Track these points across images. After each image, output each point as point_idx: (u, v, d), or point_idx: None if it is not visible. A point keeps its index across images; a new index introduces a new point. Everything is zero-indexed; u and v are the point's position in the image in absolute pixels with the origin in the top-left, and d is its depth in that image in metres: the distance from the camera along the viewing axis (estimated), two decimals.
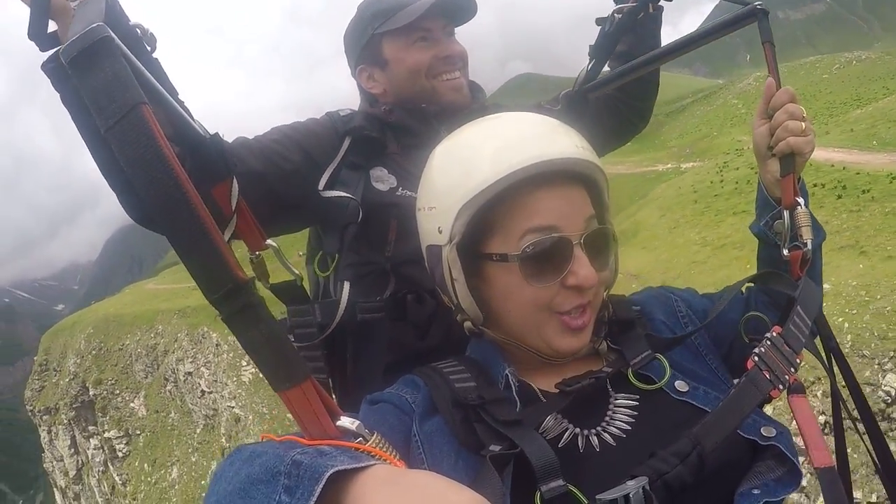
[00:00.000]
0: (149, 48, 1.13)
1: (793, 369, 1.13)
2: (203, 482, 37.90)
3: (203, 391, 39.55)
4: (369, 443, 0.92)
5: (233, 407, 35.36)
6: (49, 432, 56.13)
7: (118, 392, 48.96)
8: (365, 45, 2.00)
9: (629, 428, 1.15)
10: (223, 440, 35.80)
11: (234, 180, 1.53)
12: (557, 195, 1.22)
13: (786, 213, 1.40)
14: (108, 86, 0.91)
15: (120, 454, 48.01)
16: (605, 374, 1.22)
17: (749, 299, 1.54)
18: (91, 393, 50.55)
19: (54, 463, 57.86)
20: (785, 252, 1.39)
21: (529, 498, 1.00)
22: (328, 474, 0.78)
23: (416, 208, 1.42)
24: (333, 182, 1.84)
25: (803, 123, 1.38)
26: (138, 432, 47.02)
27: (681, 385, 1.22)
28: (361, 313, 1.75)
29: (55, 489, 59.83)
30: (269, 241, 1.61)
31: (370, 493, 0.78)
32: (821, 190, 18.36)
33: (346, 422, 0.93)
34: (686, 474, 0.99)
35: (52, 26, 1.31)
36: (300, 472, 0.79)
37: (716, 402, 1.17)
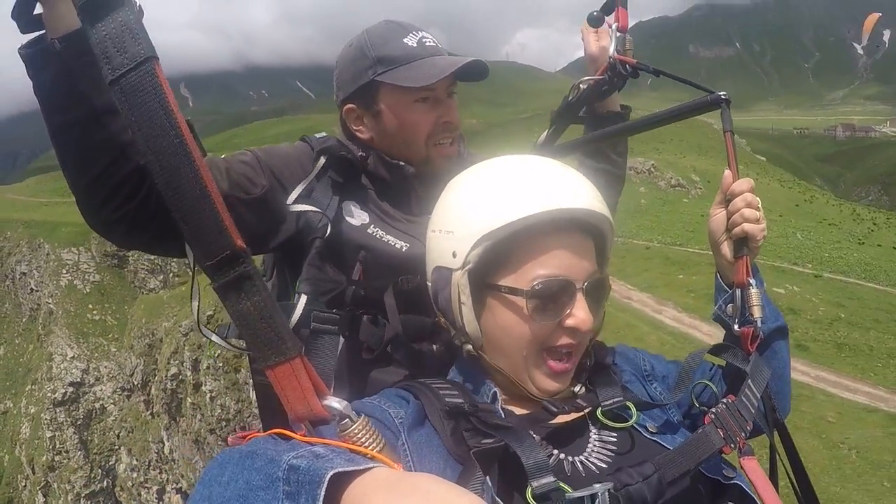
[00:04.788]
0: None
1: (743, 434, 1.20)
2: (22, 359, 48.25)
3: (32, 289, 49.24)
4: (356, 425, 0.92)
5: (49, 303, 45.41)
6: None
7: None
8: (361, 86, 1.82)
9: (610, 461, 1.19)
10: (39, 328, 45.81)
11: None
12: (571, 243, 1.28)
13: (737, 292, 1.47)
14: (118, 35, 0.91)
15: None
16: (583, 406, 1.28)
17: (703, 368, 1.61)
18: None
19: None
20: (735, 328, 1.46)
21: (519, 495, 1.03)
22: (329, 476, 0.76)
23: (428, 228, 1.43)
24: (304, 196, 1.75)
25: (759, 212, 1.47)
26: None
27: (651, 426, 1.28)
28: (315, 322, 1.68)
29: None
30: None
31: (371, 496, 0.76)
32: None
33: (333, 402, 0.93)
34: (647, 493, 1.04)
35: (38, 9, 1.24)
36: (299, 478, 0.78)
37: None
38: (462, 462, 1.09)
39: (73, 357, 40.57)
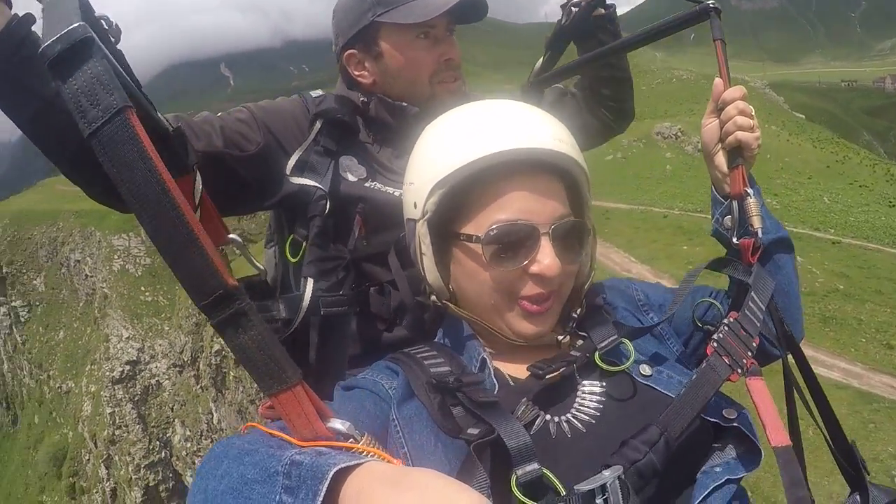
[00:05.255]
0: (113, 40, 1.07)
1: (749, 353, 1.15)
2: (80, 342, 51.10)
3: (86, 275, 51.83)
4: (360, 443, 0.91)
5: (104, 287, 47.87)
6: None
7: (25, 272, 60.39)
8: (361, 29, 1.84)
9: (598, 414, 1.15)
10: (96, 312, 48.40)
11: (198, 174, 1.49)
12: (531, 186, 1.22)
13: (734, 203, 1.41)
14: (90, 88, 0.91)
15: (22, 319, 60.34)
16: (574, 358, 1.21)
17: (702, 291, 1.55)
18: (3, 271, 61.87)
19: None
20: (734, 241, 1.40)
21: (505, 481, 0.99)
22: (332, 472, 0.76)
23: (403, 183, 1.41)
24: (302, 167, 1.75)
25: (752, 120, 1.42)
26: (37, 303, 59.35)
27: (644, 369, 1.23)
28: (325, 307, 1.68)
29: None
30: (232, 236, 1.52)
31: (367, 492, 0.76)
32: None
33: (336, 423, 0.92)
34: (656, 461, 1.00)
35: None
36: (301, 472, 0.78)
37: (678, 386, 1.17)
38: (451, 434, 1.07)
39: (128, 337, 42.89)
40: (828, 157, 49.55)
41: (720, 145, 1.49)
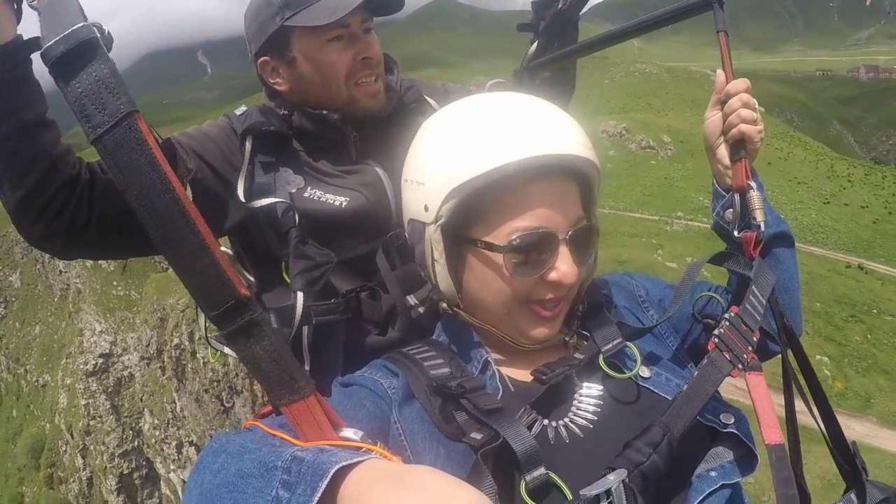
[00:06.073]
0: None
1: (750, 347, 1.14)
2: (56, 336, 52.67)
3: (61, 270, 53.41)
4: (373, 453, 0.87)
5: (77, 283, 49.11)
6: None
7: (1, 269, 61.92)
8: (271, 35, 1.76)
9: (595, 418, 1.13)
10: (70, 307, 49.86)
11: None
12: (551, 191, 1.18)
13: (736, 197, 1.40)
14: (96, 92, 0.88)
15: None
16: (578, 361, 1.19)
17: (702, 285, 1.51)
18: None
19: None
20: (735, 234, 1.39)
21: (510, 486, 0.99)
22: (333, 470, 0.75)
23: (401, 178, 1.34)
24: (254, 190, 1.70)
25: (755, 113, 1.41)
26: (13, 299, 60.85)
27: (644, 371, 1.21)
28: (317, 316, 1.64)
29: None
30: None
31: (368, 490, 0.75)
32: None
33: (349, 433, 0.90)
34: (660, 462, 0.99)
35: None
36: (301, 468, 0.77)
37: (676, 390, 1.15)
38: (453, 438, 1.06)
39: (101, 331, 44.32)
40: (771, 154, 50.68)
41: (722, 138, 1.48)
